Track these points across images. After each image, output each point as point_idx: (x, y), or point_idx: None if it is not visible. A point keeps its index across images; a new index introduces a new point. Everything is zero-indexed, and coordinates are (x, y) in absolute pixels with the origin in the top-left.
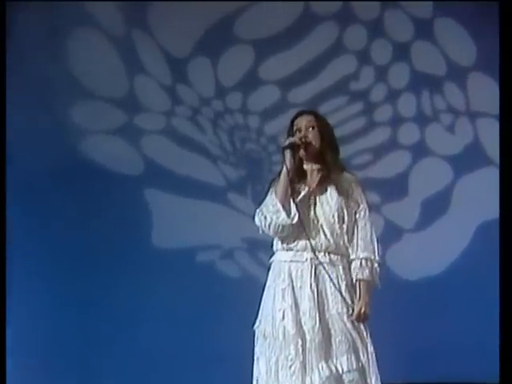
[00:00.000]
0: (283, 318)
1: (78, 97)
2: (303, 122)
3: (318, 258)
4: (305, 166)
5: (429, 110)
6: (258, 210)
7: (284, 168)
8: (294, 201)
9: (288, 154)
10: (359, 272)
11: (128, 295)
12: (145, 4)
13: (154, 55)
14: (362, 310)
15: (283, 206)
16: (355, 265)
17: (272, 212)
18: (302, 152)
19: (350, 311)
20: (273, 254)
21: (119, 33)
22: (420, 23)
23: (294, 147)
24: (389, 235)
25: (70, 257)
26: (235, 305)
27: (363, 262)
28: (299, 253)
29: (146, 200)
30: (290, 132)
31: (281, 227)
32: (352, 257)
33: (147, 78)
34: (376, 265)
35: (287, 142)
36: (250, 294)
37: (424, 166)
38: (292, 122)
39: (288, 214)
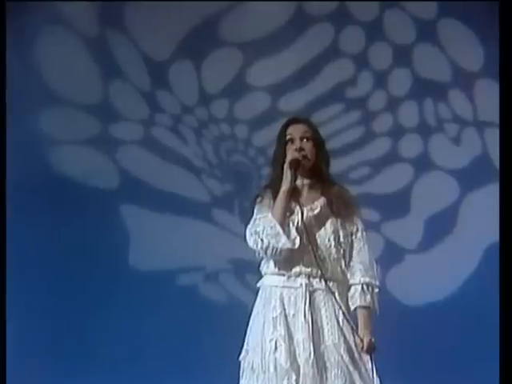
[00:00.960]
0: (275, 349)
1: (47, 103)
2: (298, 132)
3: (312, 285)
4: (297, 181)
5: (432, 120)
6: (251, 231)
7: (284, 187)
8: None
9: (290, 171)
10: (361, 298)
11: (101, 323)
12: (121, 1)
13: (132, 58)
14: (372, 340)
15: (283, 230)
16: (355, 290)
17: (270, 235)
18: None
19: (359, 342)
20: (261, 277)
21: (93, 33)
22: (423, 24)
23: (297, 164)
24: (389, 256)
25: (38, 280)
26: (220, 333)
27: (364, 287)
28: (292, 278)
29: (123, 217)
30: (282, 141)
31: (279, 251)
32: (351, 282)
33: (124, 83)
34: (377, 290)
35: (290, 158)
36: (236, 321)
37: (427, 181)
38: (284, 130)
39: (289, 237)
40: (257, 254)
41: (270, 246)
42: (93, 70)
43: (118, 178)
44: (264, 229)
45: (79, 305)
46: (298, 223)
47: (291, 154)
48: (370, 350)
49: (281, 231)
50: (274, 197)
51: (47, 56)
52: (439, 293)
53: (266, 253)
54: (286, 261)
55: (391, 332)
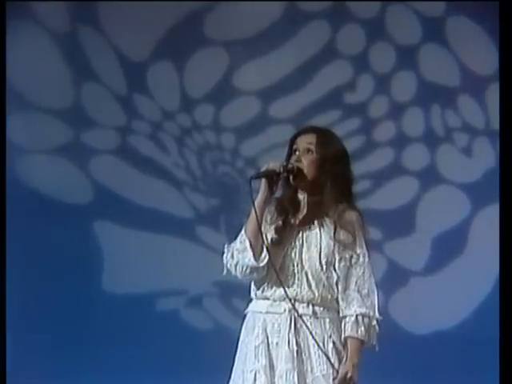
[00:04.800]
0: (255, 381)
1: (13, 107)
2: (302, 143)
3: (297, 310)
4: (299, 197)
5: (440, 128)
6: (227, 246)
7: (256, 199)
8: (272, 239)
9: (263, 184)
10: (352, 328)
11: (72, 352)
12: None
13: (106, 58)
14: (349, 375)
15: (251, 245)
16: (348, 320)
17: (239, 250)
18: (291, 179)
19: (335, 374)
20: (250, 301)
21: (64, 30)
22: (429, 22)
23: (271, 176)
24: (392, 279)
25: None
26: (205, 363)
27: (359, 318)
28: (276, 303)
29: (96, 235)
30: (288, 153)
31: (248, 269)
32: (345, 312)
33: (98, 86)
34: (374, 322)
35: (261, 170)
36: (222, 350)
37: (435, 196)
38: (292, 140)
39: (256, 254)
40: (225, 270)
41: (239, 262)
42: (63, 72)
43: (90, 191)
44: (235, 244)
45: (44, 333)
46: (290, 240)
47: (272, 164)
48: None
49: (248, 246)
50: (276, 212)
51: (13, 56)
52: (448, 320)
53: (235, 270)
54: (269, 281)
55: (394, 363)
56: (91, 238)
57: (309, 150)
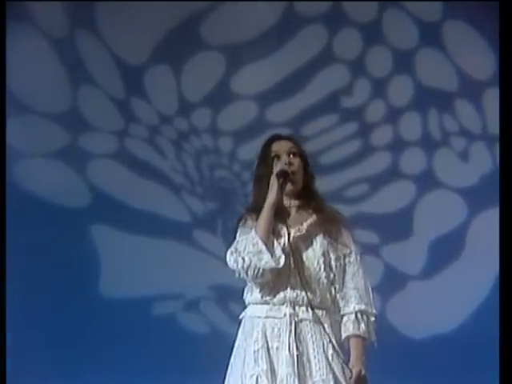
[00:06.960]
0: None
1: (9, 111)
2: (284, 147)
3: (298, 315)
4: (285, 202)
5: (437, 133)
6: (231, 249)
7: (269, 200)
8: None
9: (277, 182)
10: (354, 327)
11: (71, 353)
12: (92, 0)
13: (103, 62)
14: (363, 372)
15: (266, 246)
16: (348, 319)
17: (252, 253)
18: (289, 183)
19: (348, 373)
20: (245, 306)
21: (61, 34)
22: (426, 26)
23: (285, 175)
24: (389, 283)
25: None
26: (201, 367)
27: (358, 315)
28: (276, 307)
29: (93, 238)
30: (267, 159)
31: (261, 271)
32: (344, 310)
33: (95, 90)
34: (373, 318)
35: (279, 169)
36: (219, 354)
37: (432, 200)
38: (268, 147)
39: (272, 255)
40: (237, 274)
41: (252, 264)
42: (60, 75)
43: (88, 195)
44: (246, 246)
45: (44, 333)
46: (283, 244)
47: (279, 166)
48: (360, 382)
49: (264, 248)
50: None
51: (10, 59)
52: (446, 324)
53: (246, 273)
54: (270, 286)
55: (392, 367)
56: (88, 241)
57: (292, 154)
